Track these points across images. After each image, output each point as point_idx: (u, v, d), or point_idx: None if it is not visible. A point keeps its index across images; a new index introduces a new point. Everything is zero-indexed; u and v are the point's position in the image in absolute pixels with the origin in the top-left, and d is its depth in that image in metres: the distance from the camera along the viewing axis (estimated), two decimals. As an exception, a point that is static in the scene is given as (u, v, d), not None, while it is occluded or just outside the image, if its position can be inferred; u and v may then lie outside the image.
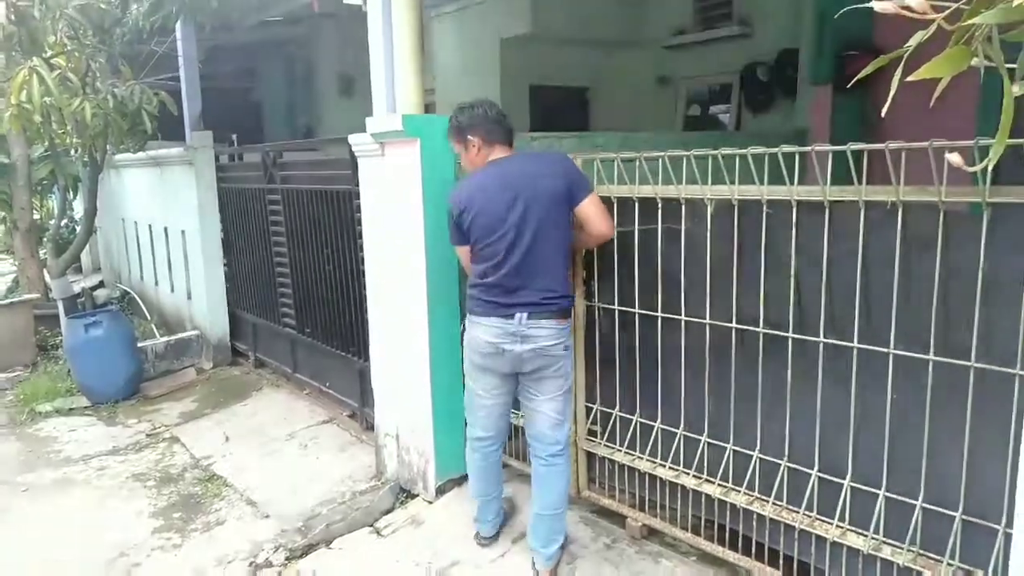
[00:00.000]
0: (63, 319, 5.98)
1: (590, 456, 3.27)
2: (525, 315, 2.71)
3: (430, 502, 3.61)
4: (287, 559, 3.38)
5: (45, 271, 7.55)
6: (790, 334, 2.51)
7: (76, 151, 7.17)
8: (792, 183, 2.42)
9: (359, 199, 3.93)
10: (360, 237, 4.07)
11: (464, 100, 2.94)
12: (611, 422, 3.15)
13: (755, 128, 6.94)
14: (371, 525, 3.56)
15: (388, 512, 3.68)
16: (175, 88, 6.05)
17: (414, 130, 3.25)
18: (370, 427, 4.46)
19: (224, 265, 6.23)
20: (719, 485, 2.76)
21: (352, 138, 3.71)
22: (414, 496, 3.73)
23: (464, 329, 3.04)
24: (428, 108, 3.51)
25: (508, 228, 2.70)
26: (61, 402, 5.62)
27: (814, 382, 2.46)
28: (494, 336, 2.76)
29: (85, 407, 5.55)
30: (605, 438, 3.19)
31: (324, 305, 4.91)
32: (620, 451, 3.11)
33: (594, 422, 3.23)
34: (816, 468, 2.51)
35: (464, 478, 3.69)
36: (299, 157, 5.40)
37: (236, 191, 5.90)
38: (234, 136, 6.35)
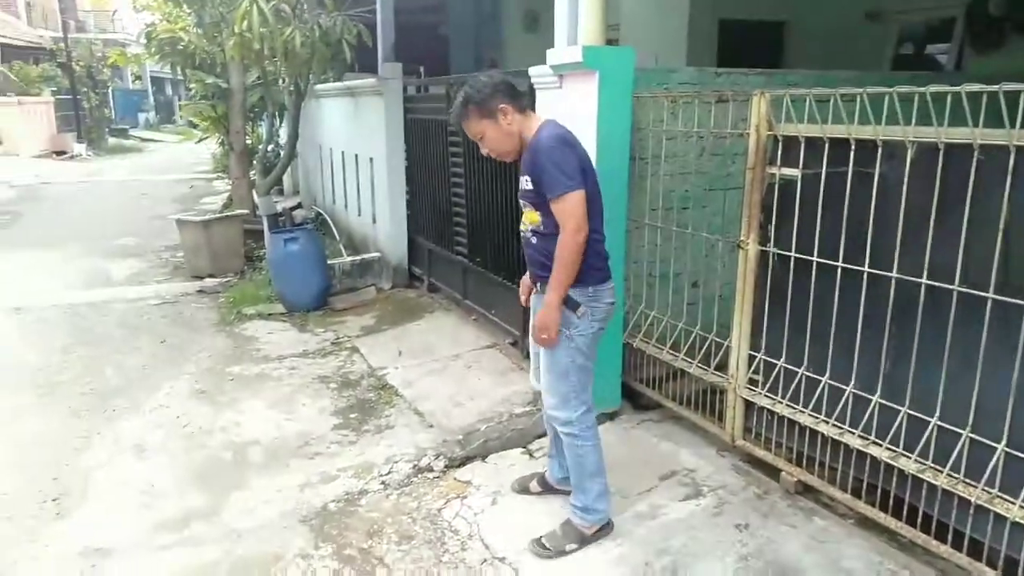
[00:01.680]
0: (267, 234, 6.64)
1: (748, 405, 3.18)
2: None
3: (582, 432, 3.70)
4: (446, 467, 3.63)
5: (254, 190, 8.40)
6: (990, 295, 2.27)
7: (283, 80, 7.82)
8: (1014, 126, 2.15)
9: (534, 131, 3.98)
10: (533, 170, 4.13)
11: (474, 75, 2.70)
12: (774, 372, 3.04)
13: (980, 70, 6.14)
14: (524, 446, 3.73)
15: (541, 436, 3.82)
16: (371, 21, 6.38)
17: (594, 61, 3.22)
18: (529, 355, 4.62)
19: (406, 193, 6.58)
20: (888, 448, 2.60)
21: (532, 70, 3.74)
22: (567, 425, 3.84)
23: (577, 305, 2.65)
24: (610, 44, 3.45)
25: (598, 187, 2.67)
26: (262, 307, 6.29)
27: (1013, 352, 2.22)
28: (612, 296, 2.75)
29: (281, 313, 6.18)
30: (766, 388, 3.09)
31: (494, 236, 5.07)
32: (781, 403, 3.01)
33: (756, 371, 3.13)
34: (1004, 443, 2.29)
35: (616, 413, 3.76)
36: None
37: (420, 122, 6.17)
38: (421, 68, 6.60)
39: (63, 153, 20.69)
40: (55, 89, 22.31)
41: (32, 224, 10.60)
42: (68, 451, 3.81)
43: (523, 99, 2.70)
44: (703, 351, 3.40)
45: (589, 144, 3.34)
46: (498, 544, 2.94)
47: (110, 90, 26.26)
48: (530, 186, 2.61)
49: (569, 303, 2.64)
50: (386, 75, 6.26)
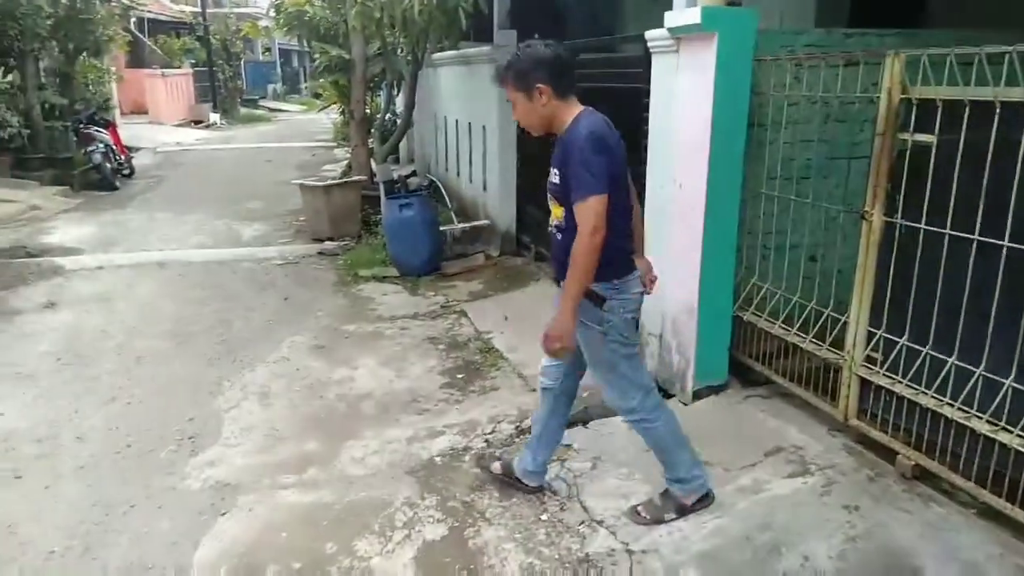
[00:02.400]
0: (383, 199, 6.88)
1: (864, 383, 3.04)
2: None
3: (685, 404, 3.66)
4: (548, 430, 3.69)
5: (372, 158, 8.70)
6: None
7: (402, 50, 8.01)
8: None
9: (647, 98, 3.91)
10: (645, 137, 4.06)
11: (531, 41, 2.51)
12: (895, 351, 2.88)
13: None
14: (626, 415, 3.72)
15: (644, 406, 3.81)
16: (486, -12, 6.40)
17: (712, 23, 3.12)
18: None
19: (517, 161, 6.63)
20: (1019, 435, 2.42)
21: (648, 34, 3.67)
22: (670, 396, 3.80)
23: (603, 300, 2.56)
24: (732, 5, 3.32)
25: (628, 181, 2.62)
26: (377, 270, 6.55)
27: None
28: (639, 286, 2.68)
29: (395, 276, 6.41)
30: (885, 367, 2.94)
31: (604, 204, 5.03)
32: (901, 383, 2.85)
33: (874, 349, 2.98)
34: None
35: (723, 387, 3.68)
36: (595, 56, 5.46)
37: (533, 90, 6.17)
38: (536, 36, 6.56)
39: (200, 122, 22.11)
40: (194, 61, 23.80)
41: (173, 187, 11.44)
42: (203, 394, 4.15)
43: (567, 82, 2.53)
44: (818, 327, 3.26)
45: (704, 111, 3.26)
46: (597, 507, 2.98)
47: (242, 62, 27.74)
48: (557, 180, 2.55)
49: (595, 299, 2.55)
50: (501, 43, 6.30)
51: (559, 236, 2.64)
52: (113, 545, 2.85)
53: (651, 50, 3.70)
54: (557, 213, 2.62)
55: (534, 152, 6.34)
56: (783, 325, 3.39)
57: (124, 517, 3.03)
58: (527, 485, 3.10)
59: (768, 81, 3.31)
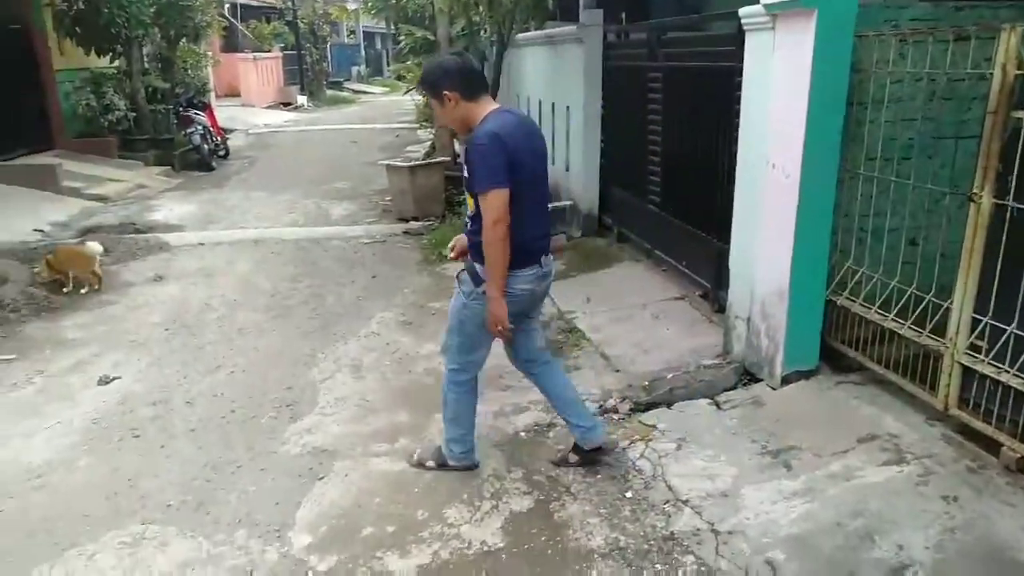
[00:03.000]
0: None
1: (966, 372, 2.93)
2: (547, 256, 2.93)
3: (773, 388, 3.61)
4: (631, 410, 3.71)
5: (455, 139, 8.81)
6: None
7: (486, 30, 8.06)
8: None
9: (740, 77, 3.84)
10: (736, 117, 3.98)
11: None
12: (1003, 338, 2.76)
13: None
14: (711, 398, 3.71)
15: (729, 390, 3.78)
16: (575, -33, 6.37)
17: (812, -1, 3.03)
18: (720, 309, 4.53)
19: (600, 142, 6.60)
20: None
21: (743, 11, 3.59)
22: (757, 380, 3.76)
23: (480, 281, 2.81)
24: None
25: (542, 175, 2.89)
26: (461, 249, 6.66)
27: None
28: (528, 283, 2.85)
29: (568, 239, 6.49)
30: (991, 355, 2.82)
31: (690, 185, 4.98)
32: (1009, 372, 2.74)
33: (979, 336, 2.87)
34: None
35: (813, 373, 3.61)
36: (684, 35, 5.37)
37: (619, 69, 6.13)
38: (623, 15, 6.50)
39: (288, 104, 22.84)
40: (283, 45, 24.56)
41: (265, 168, 11.91)
42: (299, 365, 4.36)
43: (475, 86, 2.79)
44: (917, 312, 3.16)
45: (801, 90, 3.18)
46: (682, 487, 3.00)
47: (328, 45, 28.43)
48: (466, 174, 2.78)
49: (474, 277, 2.85)
50: (587, 22, 6.26)
51: (469, 224, 2.92)
52: (223, 502, 3.06)
53: (745, 28, 3.62)
54: (471, 204, 2.84)
55: (619, 134, 6.30)
56: (880, 310, 3.30)
57: (232, 476, 3.24)
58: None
59: (870, 58, 3.20)
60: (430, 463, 3.23)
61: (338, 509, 2.99)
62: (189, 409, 3.85)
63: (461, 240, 3.10)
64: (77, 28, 10.25)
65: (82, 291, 5.57)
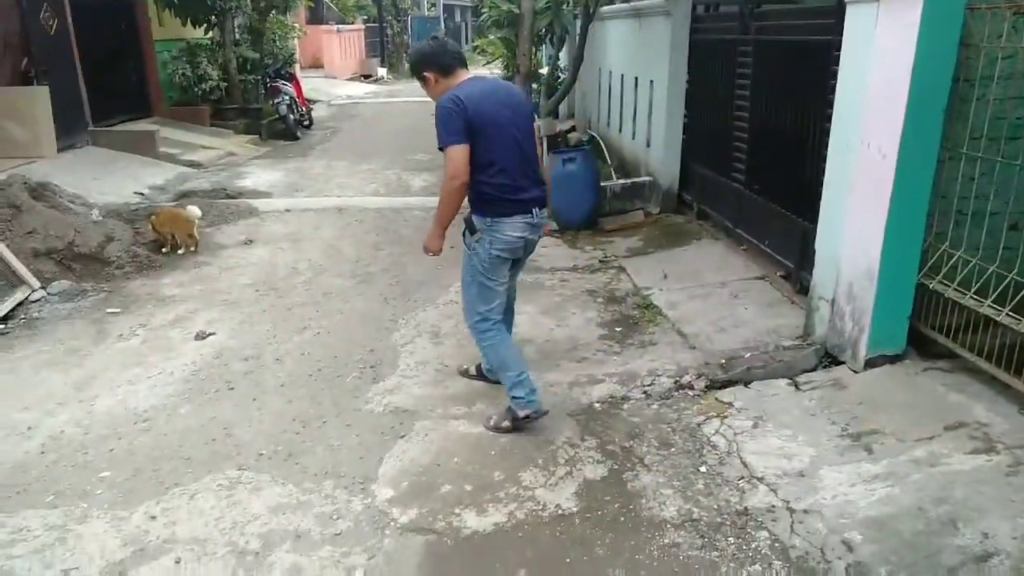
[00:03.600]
0: (545, 153, 7.00)
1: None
2: (537, 209, 3.26)
3: (856, 371, 3.54)
4: (707, 387, 3.70)
5: (534, 113, 8.80)
6: None
7: (569, 3, 8.00)
8: None
9: (837, 51, 3.72)
10: (830, 93, 3.87)
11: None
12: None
13: None
14: (790, 378, 3.67)
15: (809, 371, 3.73)
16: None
17: (921, -32, 2.91)
18: (802, 290, 4.45)
19: (684, 117, 6.50)
20: None
21: (842, -18, 3.48)
22: (839, 363, 3.69)
23: (475, 230, 3.22)
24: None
25: (513, 136, 3.16)
26: (537, 222, 6.70)
27: None
28: (520, 231, 3.22)
29: (555, 230, 6.53)
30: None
31: (777, 162, 4.87)
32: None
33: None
34: None
35: (899, 357, 3.52)
36: (778, 8, 5.22)
37: (707, 43, 6.00)
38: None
39: (368, 76, 23.24)
40: (365, 17, 24.91)
41: (347, 138, 12.20)
42: (381, 330, 4.51)
43: (449, 63, 3.21)
44: (1016, 300, 3.03)
45: (904, 65, 3.07)
46: (757, 464, 2.99)
47: (409, 18, 28.67)
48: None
49: (469, 227, 3.26)
50: (675, -6, 6.14)
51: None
52: (310, 453, 3.23)
53: (846, 0, 3.50)
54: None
55: (703, 109, 6.19)
56: (975, 296, 3.18)
57: (318, 430, 3.41)
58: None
59: (981, 32, 3.05)
60: (505, 423, 3.34)
61: (418, 466, 3.11)
62: (279, 366, 4.06)
63: None
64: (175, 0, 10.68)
65: (179, 252, 5.88)
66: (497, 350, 3.35)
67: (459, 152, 3.04)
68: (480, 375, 3.83)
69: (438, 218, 3.25)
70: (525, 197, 3.21)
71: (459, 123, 3.03)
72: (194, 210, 6.14)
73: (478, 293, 3.32)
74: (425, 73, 3.23)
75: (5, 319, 4.60)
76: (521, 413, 3.28)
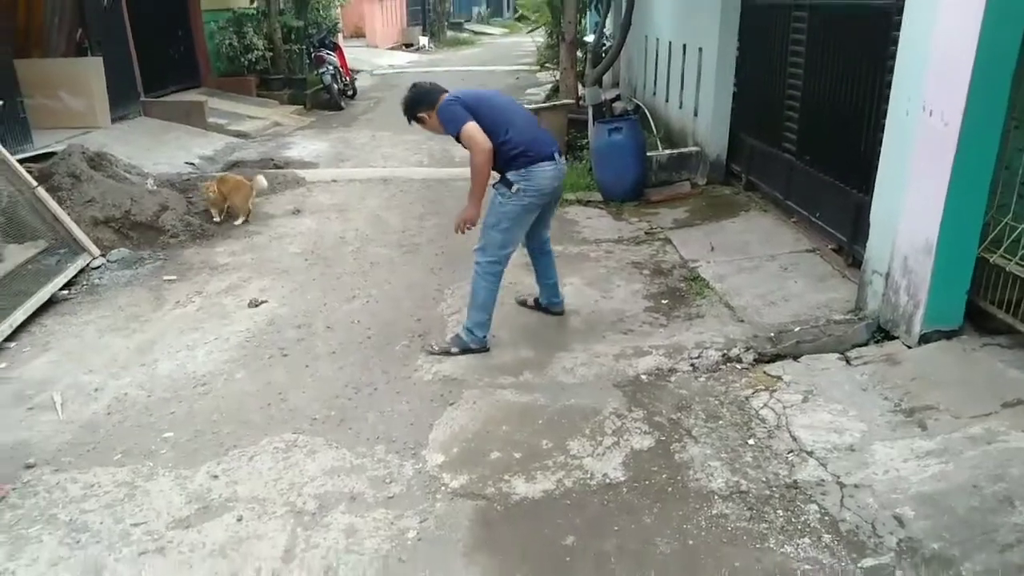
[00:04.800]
0: (590, 123, 6.94)
1: None
2: (558, 155, 3.73)
3: (910, 347, 3.48)
4: (755, 360, 3.68)
5: (580, 81, 8.71)
6: None
7: (616, -31, 7.82)
8: None
9: (898, 16, 3.60)
10: (891, 59, 3.75)
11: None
12: None
13: None
14: (841, 353, 3.62)
15: (860, 346, 3.67)
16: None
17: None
18: (854, 263, 4.36)
19: (733, 85, 6.36)
20: None
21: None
22: (892, 338, 3.63)
23: (512, 183, 3.62)
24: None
25: (509, 105, 3.83)
26: (581, 194, 6.69)
27: None
28: (549, 177, 3.66)
29: (599, 201, 6.52)
30: None
31: (831, 132, 4.75)
32: None
33: None
34: None
35: (956, 333, 3.45)
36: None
37: (759, 8, 5.85)
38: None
39: (410, 45, 23.18)
40: (407, -14, 24.79)
41: (390, 108, 12.17)
42: (427, 299, 4.57)
43: (433, 98, 3.66)
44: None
45: (971, 25, 2.97)
46: (807, 438, 2.98)
47: (451, -15, 28.45)
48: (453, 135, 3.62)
49: (505, 182, 3.64)
50: (726, -43, 5.98)
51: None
52: (362, 419, 3.31)
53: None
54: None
55: (753, 78, 6.05)
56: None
57: (369, 397, 3.50)
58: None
59: (1054, -6, 2.93)
60: (454, 350, 3.82)
61: (468, 433, 3.17)
62: (330, 333, 4.15)
63: None
64: (223, -31, 10.78)
65: (236, 223, 5.98)
66: (490, 291, 3.80)
67: (472, 126, 3.49)
68: (537, 306, 4.31)
69: (474, 191, 3.64)
70: (545, 145, 3.68)
71: (459, 109, 3.54)
72: (261, 180, 6.23)
73: (502, 237, 3.71)
74: (420, 115, 3.71)
75: (69, 285, 4.78)
76: (474, 346, 3.82)
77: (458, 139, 3.57)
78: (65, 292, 4.70)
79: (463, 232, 3.80)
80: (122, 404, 3.47)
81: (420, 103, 3.71)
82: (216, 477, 2.92)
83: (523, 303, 4.38)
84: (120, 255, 5.25)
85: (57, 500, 2.80)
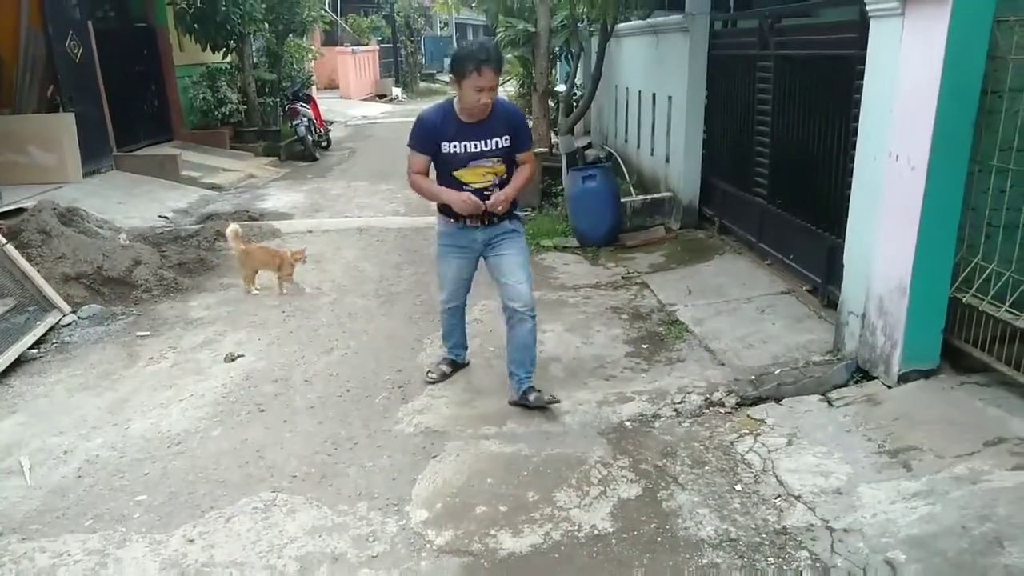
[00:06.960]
0: (564, 171, 7.03)
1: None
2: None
3: (889, 387, 3.51)
4: (738, 404, 3.69)
5: (552, 130, 8.85)
6: None
7: (585, 20, 8.05)
8: None
9: (861, 65, 3.72)
10: (855, 107, 3.87)
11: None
12: None
13: None
14: (822, 394, 3.64)
15: (841, 387, 3.70)
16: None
17: (947, -17, 2.91)
18: (830, 304, 4.42)
19: (704, 132, 6.51)
20: None
21: (867, -3, 3.48)
22: (871, 378, 3.66)
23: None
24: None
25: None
26: (558, 240, 6.73)
27: None
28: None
29: (575, 247, 6.56)
30: None
31: (800, 177, 4.86)
32: None
33: None
34: None
35: (932, 371, 3.49)
36: (799, 22, 5.23)
37: (726, 58, 6.02)
38: (731, 2, 6.38)
39: (383, 96, 23.45)
40: (380, 38, 25.18)
41: (365, 159, 12.30)
42: (407, 349, 4.53)
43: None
44: (1053, 313, 3.00)
45: (932, 78, 3.07)
46: (793, 482, 2.97)
47: (422, 38, 28.95)
48: (508, 144, 3.55)
49: (515, 217, 3.77)
50: (693, 10, 6.17)
51: (498, 187, 3.64)
52: (343, 475, 3.24)
53: (870, 14, 3.51)
54: (499, 171, 3.64)
55: (723, 124, 6.20)
56: (1010, 309, 3.15)
57: (350, 452, 3.42)
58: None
59: (1009, 44, 3.04)
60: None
61: (452, 487, 3.11)
62: (308, 387, 4.08)
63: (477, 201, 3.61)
64: (196, 25, 10.85)
65: (283, 292, 5.58)
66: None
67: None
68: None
69: (517, 190, 3.63)
70: None
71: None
72: (235, 227, 5.69)
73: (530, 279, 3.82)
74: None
75: (38, 344, 4.66)
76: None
77: (509, 152, 3.58)
78: (34, 351, 4.58)
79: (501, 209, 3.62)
80: (93, 467, 3.35)
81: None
82: (192, 541, 2.82)
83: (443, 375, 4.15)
84: (91, 311, 5.14)
85: (24, 571, 2.68)
